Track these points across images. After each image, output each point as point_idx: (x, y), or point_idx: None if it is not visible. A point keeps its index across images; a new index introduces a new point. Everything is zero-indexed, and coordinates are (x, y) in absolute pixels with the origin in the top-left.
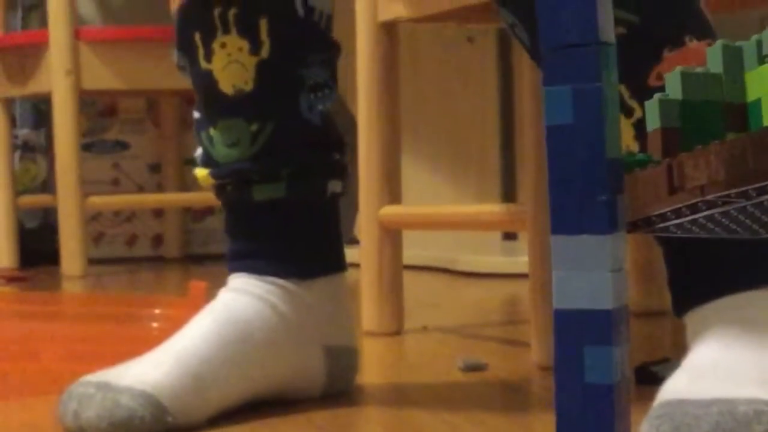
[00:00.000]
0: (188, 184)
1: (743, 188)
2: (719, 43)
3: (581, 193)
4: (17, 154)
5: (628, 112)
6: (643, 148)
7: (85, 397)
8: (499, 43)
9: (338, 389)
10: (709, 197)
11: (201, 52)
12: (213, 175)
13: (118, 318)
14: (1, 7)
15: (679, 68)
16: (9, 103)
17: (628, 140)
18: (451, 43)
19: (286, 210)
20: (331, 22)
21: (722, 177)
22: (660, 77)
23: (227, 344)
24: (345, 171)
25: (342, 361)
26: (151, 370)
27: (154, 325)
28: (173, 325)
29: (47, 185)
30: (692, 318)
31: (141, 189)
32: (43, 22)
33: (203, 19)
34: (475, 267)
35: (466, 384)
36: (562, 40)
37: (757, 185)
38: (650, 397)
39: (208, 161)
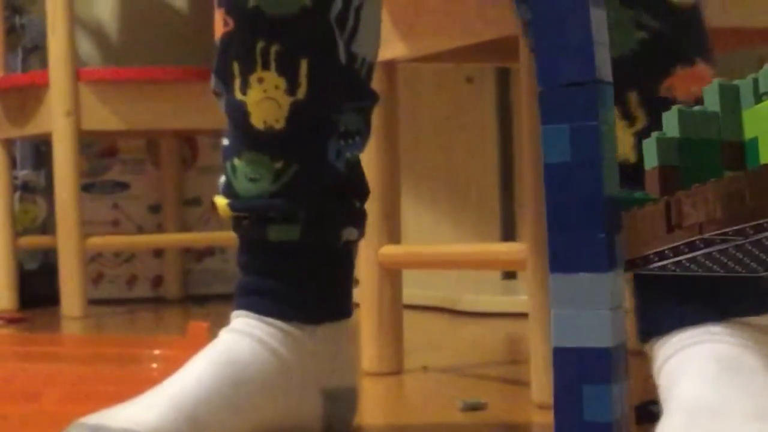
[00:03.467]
0: (188, 224)
1: (741, 226)
2: (715, 82)
3: (579, 230)
4: (17, 195)
5: (631, 120)
6: (640, 159)
7: None
8: (498, 83)
9: (337, 431)
10: (706, 235)
11: (237, 82)
12: (232, 207)
13: (118, 359)
14: (1, 47)
15: (676, 107)
16: (9, 143)
17: (627, 149)
18: (450, 83)
19: (299, 253)
20: (373, 71)
21: (720, 215)
22: (669, 91)
23: (222, 386)
24: (363, 219)
25: (341, 403)
26: (146, 412)
27: (154, 366)
28: (173, 366)
29: (47, 226)
30: (659, 347)
31: (141, 229)
32: (44, 63)
33: (245, 50)
34: (474, 306)
35: (466, 424)
36: (560, 79)
37: (754, 223)
38: None
39: (229, 192)
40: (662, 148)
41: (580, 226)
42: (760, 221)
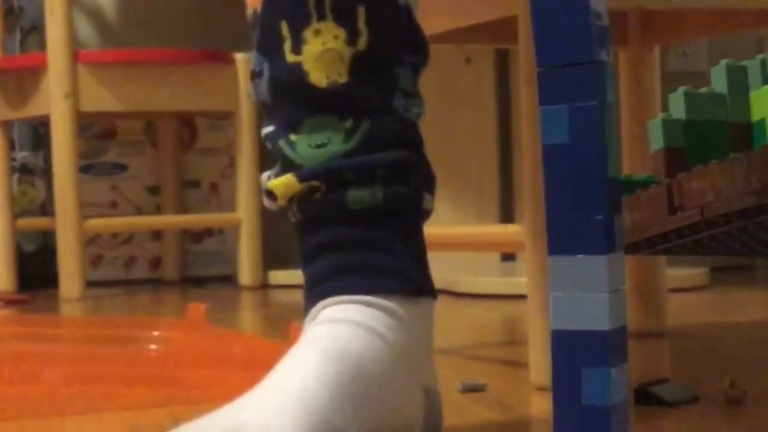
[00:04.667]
0: (187, 206)
1: (741, 207)
2: (723, 62)
3: (578, 213)
4: (15, 177)
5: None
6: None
7: None
8: (497, 65)
9: None
10: (708, 217)
11: (288, 44)
12: (300, 176)
13: (117, 340)
14: None
15: (682, 88)
16: (7, 125)
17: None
18: (449, 64)
19: (384, 220)
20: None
21: (721, 197)
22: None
23: (344, 384)
24: (434, 188)
25: (435, 406)
26: (278, 418)
27: (153, 347)
28: (172, 347)
29: (45, 208)
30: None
31: (139, 211)
32: (42, 45)
33: (295, 5)
34: (473, 288)
35: (465, 405)
36: (558, 60)
37: (756, 203)
38: (649, 417)
39: (289, 166)
40: (667, 129)
41: (578, 208)
42: (762, 202)
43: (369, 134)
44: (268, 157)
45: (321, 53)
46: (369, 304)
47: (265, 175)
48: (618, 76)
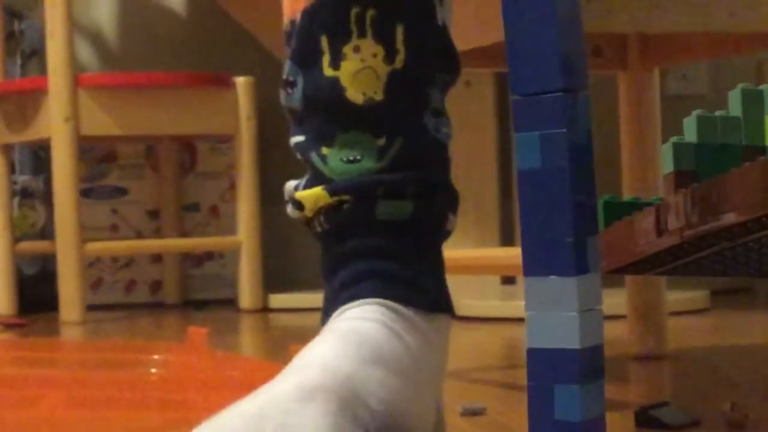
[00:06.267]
0: (187, 229)
1: (712, 228)
2: (739, 86)
3: (549, 235)
4: (16, 200)
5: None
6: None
7: None
8: (497, 88)
9: None
10: (686, 239)
11: (327, 58)
12: (331, 191)
13: (117, 364)
14: (0, 53)
15: (696, 111)
16: (8, 149)
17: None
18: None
19: (410, 232)
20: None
21: (696, 219)
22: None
23: (365, 362)
24: (457, 208)
25: (441, 426)
26: (296, 404)
27: (153, 371)
28: (172, 370)
29: (46, 231)
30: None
31: (140, 235)
32: (43, 69)
33: (336, 20)
34: (474, 311)
35: (465, 429)
36: (530, 89)
37: (727, 224)
38: None
39: (319, 179)
40: (678, 153)
41: (549, 231)
42: (734, 222)
43: (401, 152)
44: (269, 180)
45: (359, 70)
46: (390, 309)
47: (292, 184)
48: (618, 99)
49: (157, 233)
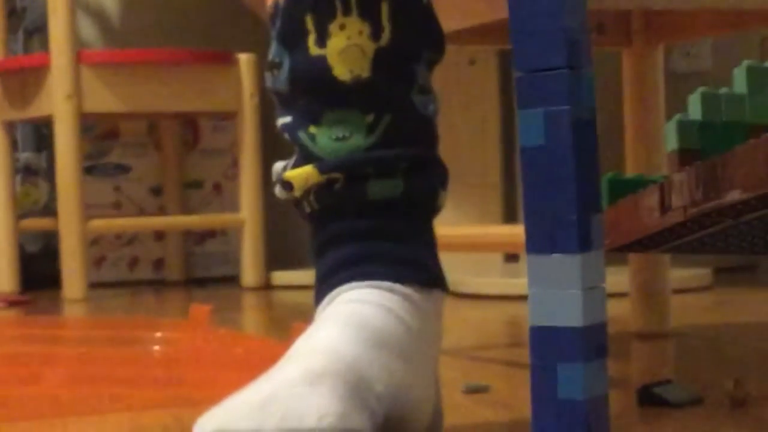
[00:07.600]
0: (189, 207)
1: (716, 206)
2: (744, 63)
3: (553, 213)
4: (18, 178)
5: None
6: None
7: None
8: (501, 65)
9: None
10: (689, 217)
11: (312, 37)
12: (321, 168)
13: (120, 341)
14: (2, 30)
15: (700, 89)
16: (10, 126)
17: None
18: (453, 66)
19: (403, 211)
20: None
21: (700, 197)
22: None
23: (368, 346)
24: (447, 183)
25: (438, 402)
26: (304, 388)
27: (156, 348)
28: (175, 348)
29: (48, 209)
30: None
31: (142, 212)
32: (45, 46)
33: None
34: (476, 289)
35: (468, 406)
36: (534, 65)
37: (731, 202)
38: (652, 419)
39: (308, 158)
40: (682, 130)
41: (553, 208)
42: (738, 199)
43: (390, 129)
44: (271, 157)
45: (346, 48)
46: (388, 289)
47: (280, 165)
48: (622, 77)
49: (160, 211)
